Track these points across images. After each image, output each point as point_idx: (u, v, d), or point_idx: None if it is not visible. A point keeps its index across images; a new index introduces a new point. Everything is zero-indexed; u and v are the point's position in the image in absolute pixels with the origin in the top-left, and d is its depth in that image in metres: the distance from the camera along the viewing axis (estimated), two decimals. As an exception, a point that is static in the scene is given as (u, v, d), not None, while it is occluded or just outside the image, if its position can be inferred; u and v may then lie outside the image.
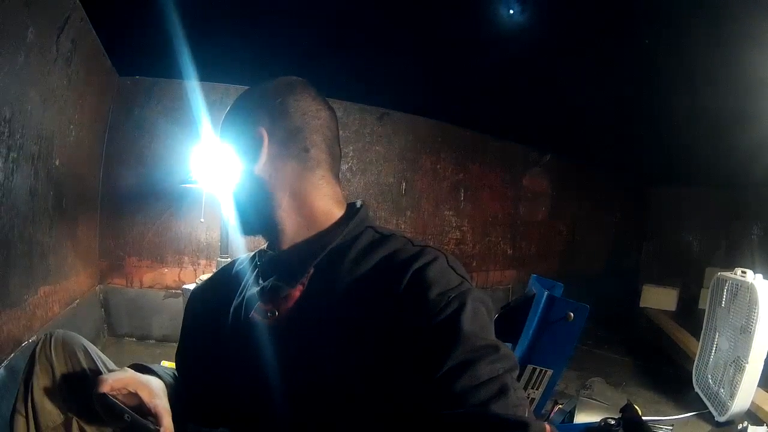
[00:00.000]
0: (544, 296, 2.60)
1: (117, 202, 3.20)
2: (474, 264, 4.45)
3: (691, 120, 3.28)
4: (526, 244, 4.64)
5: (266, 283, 1.00)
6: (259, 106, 1.01)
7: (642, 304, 4.25)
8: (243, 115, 1.02)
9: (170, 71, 3.00)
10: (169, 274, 3.38)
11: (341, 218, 1.01)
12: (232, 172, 1.01)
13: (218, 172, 2.78)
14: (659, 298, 4.16)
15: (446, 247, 4.29)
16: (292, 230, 1.00)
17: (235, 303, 1.05)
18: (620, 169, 4.54)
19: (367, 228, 1.00)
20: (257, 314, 0.97)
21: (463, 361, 0.76)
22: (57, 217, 2.42)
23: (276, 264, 1.01)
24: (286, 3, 2.80)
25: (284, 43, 2.99)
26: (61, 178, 2.42)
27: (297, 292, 0.94)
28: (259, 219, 1.01)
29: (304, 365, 0.91)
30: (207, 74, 3.03)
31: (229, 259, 2.20)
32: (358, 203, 1.05)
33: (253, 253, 1.14)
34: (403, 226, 4.08)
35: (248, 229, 1.04)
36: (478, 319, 0.81)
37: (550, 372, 2.17)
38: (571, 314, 2.53)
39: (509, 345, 2.20)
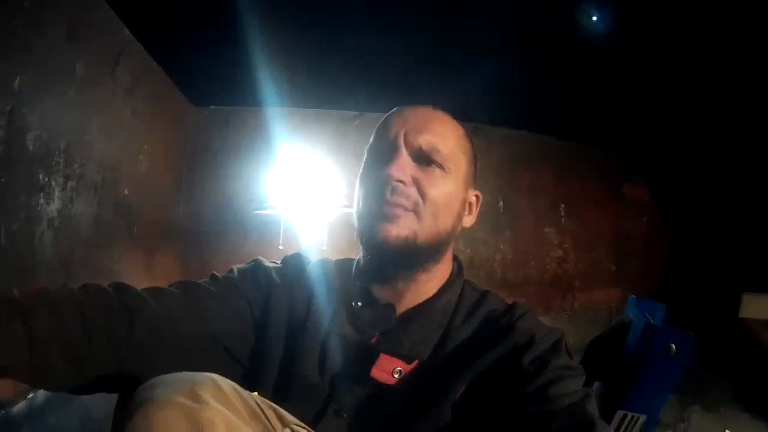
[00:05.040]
0: (642, 325, 2.23)
1: (200, 231, 3.14)
2: (577, 284, 4.05)
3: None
4: (630, 259, 4.17)
5: (402, 343, 0.92)
6: (475, 166, 1.03)
7: (741, 315, 3.83)
8: (471, 161, 1.01)
9: (246, 99, 2.96)
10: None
11: (452, 275, 1.00)
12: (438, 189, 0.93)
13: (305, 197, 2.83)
14: (759, 308, 3.70)
15: (548, 267, 3.97)
16: (429, 286, 0.97)
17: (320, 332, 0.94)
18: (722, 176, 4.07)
19: (465, 284, 1.01)
20: (382, 372, 0.90)
21: (557, 375, 0.81)
22: (128, 245, 2.38)
23: (408, 321, 0.94)
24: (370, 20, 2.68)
25: (366, 63, 2.86)
26: (132, 207, 2.37)
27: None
28: (427, 261, 0.95)
29: (424, 426, 0.86)
30: (285, 99, 3.00)
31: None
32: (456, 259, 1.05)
33: (324, 266, 1.04)
34: (503, 247, 3.79)
35: (410, 260, 0.93)
36: (568, 353, 0.87)
37: (642, 419, 1.84)
38: (673, 346, 2.19)
39: (597, 385, 1.90)
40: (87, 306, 0.80)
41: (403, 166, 0.89)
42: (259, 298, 0.97)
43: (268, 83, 2.65)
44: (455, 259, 1.03)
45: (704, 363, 3.30)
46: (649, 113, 3.37)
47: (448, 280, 0.99)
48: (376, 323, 0.93)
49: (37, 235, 1.77)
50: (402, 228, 0.89)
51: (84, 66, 1.94)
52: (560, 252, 4.00)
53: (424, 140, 0.91)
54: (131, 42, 2.26)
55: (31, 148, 1.70)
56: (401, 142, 0.91)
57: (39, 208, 1.77)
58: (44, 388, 0.83)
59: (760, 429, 2.60)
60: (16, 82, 1.62)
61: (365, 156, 0.98)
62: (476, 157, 1.03)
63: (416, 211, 0.90)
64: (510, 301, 0.98)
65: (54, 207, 1.84)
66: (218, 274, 1.00)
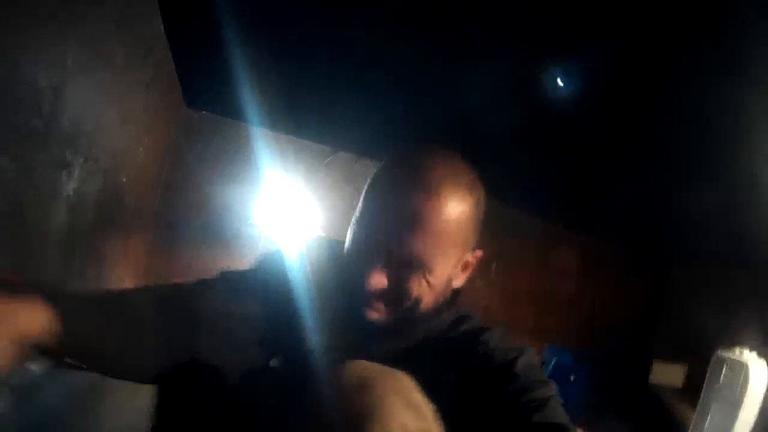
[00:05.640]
0: (552, 363, 2.78)
1: (171, 227, 3.17)
2: (499, 333, 4.24)
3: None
4: (547, 319, 4.47)
5: (386, 347, 0.92)
6: (480, 224, 0.95)
7: (651, 380, 4.07)
8: (472, 234, 0.93)
9: (239, 114, 3.01)
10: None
11: (442, 305, 0.99)
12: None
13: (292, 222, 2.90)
14: (667, 375, 3.99)
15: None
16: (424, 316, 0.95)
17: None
18: (640, 249, 4.43)
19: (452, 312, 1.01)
20: None
21: (522, 387, 0.83)
22: (118, 237, 2.42)
23: (394, 333, 0.94)
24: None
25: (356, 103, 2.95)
26: (126, 195, 2.41)
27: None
28: (421, 312, 0.93)
29: None
30: (277, 124, 3.05)
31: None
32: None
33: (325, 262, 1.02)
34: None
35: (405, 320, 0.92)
36: (531, 364, 0.90)
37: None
38: (572, 377, 3.03)
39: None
40: (165, 305, 0.89)
41: (379, 277, 0.86)
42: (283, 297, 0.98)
43: (254, 101, 2.72)
44: (453, 293, 1.01)
45: (614, 415, 3.57)
46: (582, 185, 3.65)
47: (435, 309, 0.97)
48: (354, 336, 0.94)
49: (54, 211, 1.78)
50: (383, 316, 0.90)
51: (123, 54, 1.98)
52: (487, 302, 4.22)
53: (416, 249, 0.85)
54: (161, 36, 2.30)
55: (66, 126, 1.72)
56: (384, 249, 0.86)
57: (61, 185, 1.78)
58: (128, 378, 0.87)
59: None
60: (69, 59, 1.64)
61: (361, 202, 0.92)
62: (482, 215, 0.95)
63: (394, 305, 0.90)
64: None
65: (72, 186, 1.86)
66: (252, 267, 1.07)
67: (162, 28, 2.27)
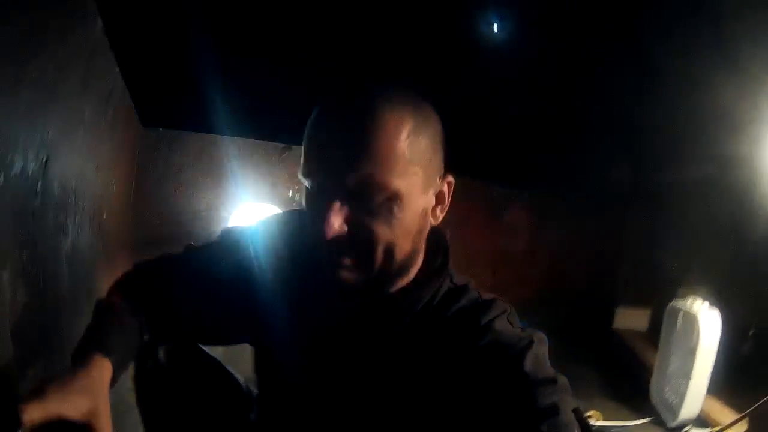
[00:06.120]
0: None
1: (148, 247, 3.18)
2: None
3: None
4: (505, 273, 4.60)
5: (371, 332, 0.87)
6: (440, 147, 0.83)
7: (615, 325, 4.23)
8: (432, 153, 0.80)
9: (195, 125, 3.12)
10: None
11: (428, 271, 0.89)
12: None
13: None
14: (631, 319, 4.13)
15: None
16: (406, 278, 0.87)
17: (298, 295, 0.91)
18: (596, 197, 4.50)
19: (444, 280, 0.90)
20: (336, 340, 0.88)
21: (531, 389, 0.76)
22: (106, 267, 2.47)
23: (378, 308, 0.86)
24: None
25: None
26: (108, 230, 2.48)
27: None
28: (398, 261, 0.81)
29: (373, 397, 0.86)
30: (232, 129, 3.14)
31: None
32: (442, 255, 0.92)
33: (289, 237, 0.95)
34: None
35: (380, 269, 0.80)
36: (538, 359, 0.79)
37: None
38: None
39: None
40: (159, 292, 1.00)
41: (337, 220, 0.74)
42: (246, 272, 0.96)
43: (213, 110, 2.80)
44: (442, 251, 0.93)
45: (579, 360, 3.72)
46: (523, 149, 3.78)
47: (423, 275, 0.89)
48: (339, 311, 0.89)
49: (60, 273, 1.85)
50: (355, 276, 0.80)
51: (91, 110, 2.02)
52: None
53: (364, 177, 0.73)
54: (117, 78, 2.32)
55: (56, 193, 1.77)
56: (332, 184, 0.75)
57: (61, 248, 1.85)
58: None
59: (622, 413, 2.96)
60: (50, 133, 1.68)
61: (304, 150, 0.79)
62: (443, 138, 0.84)
63: (365, 256, 0.79)
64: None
65: (68, 242, 1.92)
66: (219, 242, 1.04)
67: (118, 71, 2.29)
